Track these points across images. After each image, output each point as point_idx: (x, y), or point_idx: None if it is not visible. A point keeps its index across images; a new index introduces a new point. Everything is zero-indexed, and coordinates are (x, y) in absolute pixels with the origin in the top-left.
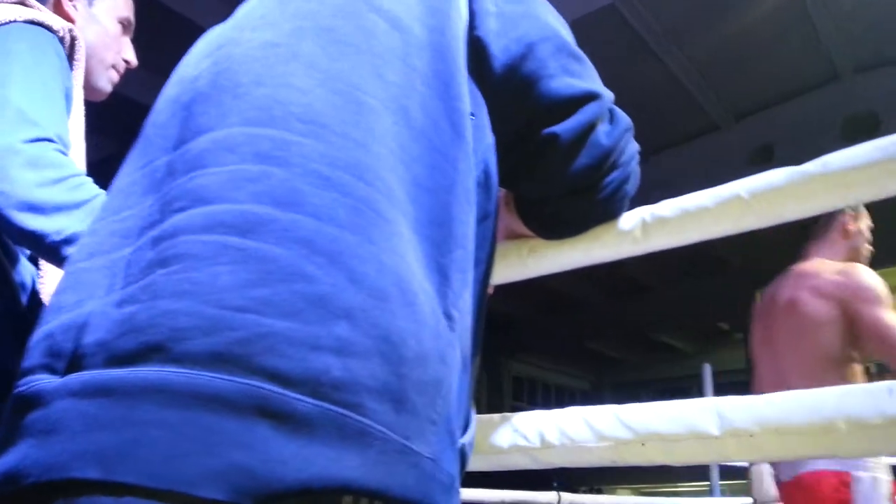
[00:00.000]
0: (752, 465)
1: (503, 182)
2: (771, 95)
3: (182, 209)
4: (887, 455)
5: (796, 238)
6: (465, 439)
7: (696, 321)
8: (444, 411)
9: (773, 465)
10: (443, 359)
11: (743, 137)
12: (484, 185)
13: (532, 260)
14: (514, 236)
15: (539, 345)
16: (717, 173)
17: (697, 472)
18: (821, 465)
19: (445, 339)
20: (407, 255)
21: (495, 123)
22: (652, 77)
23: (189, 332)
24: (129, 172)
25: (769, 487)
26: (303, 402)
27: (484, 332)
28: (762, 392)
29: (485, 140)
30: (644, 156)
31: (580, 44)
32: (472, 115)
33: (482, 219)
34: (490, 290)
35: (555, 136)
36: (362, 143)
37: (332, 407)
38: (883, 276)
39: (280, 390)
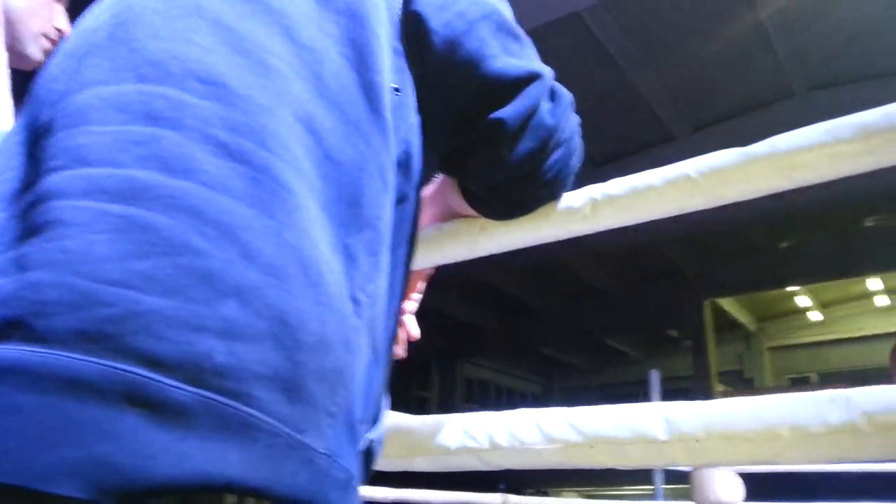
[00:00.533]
0: (695, 469)
1: (444, 168)
2: (729, 109)
3: (58, 169)
4: (827, 463)
5: (746, 252)
6: (373, 435)
7: (645, 327)
8: (345, 403)
9: None
10: (347, 346)
11: (699, 148)
12: (404, 165)
13: (483, 238)
14: (461, 217)
15: (492, 348)
16: None
17: (642, 476)
18: None
19: (351, 325)
20: (312, 231)
21: (435, 106)
22: (610, 85)
23: (55, 307)
24: (17, 132)
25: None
26: (179, 389)
27: (438, 334)
28: None
29: (408, 119)
30: (599, 163)
31: (541, 49)
32: (397, 90)
33: (399, 200)
34: (431, 271)
35: (500, 121)
36: (267, 108)
37: (214, 396)
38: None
39: (154, 376)
